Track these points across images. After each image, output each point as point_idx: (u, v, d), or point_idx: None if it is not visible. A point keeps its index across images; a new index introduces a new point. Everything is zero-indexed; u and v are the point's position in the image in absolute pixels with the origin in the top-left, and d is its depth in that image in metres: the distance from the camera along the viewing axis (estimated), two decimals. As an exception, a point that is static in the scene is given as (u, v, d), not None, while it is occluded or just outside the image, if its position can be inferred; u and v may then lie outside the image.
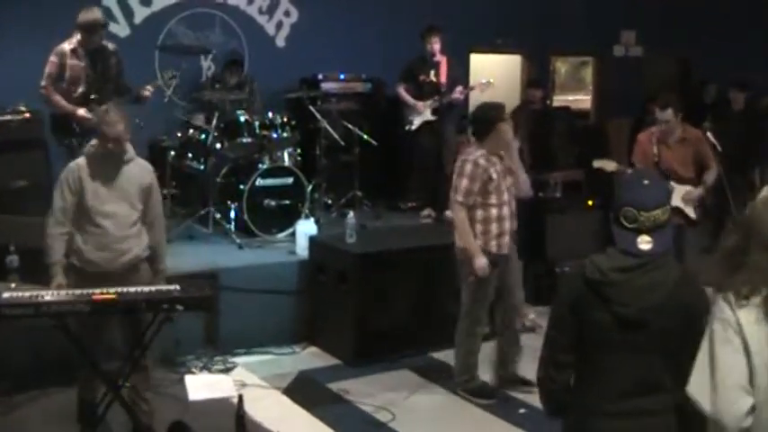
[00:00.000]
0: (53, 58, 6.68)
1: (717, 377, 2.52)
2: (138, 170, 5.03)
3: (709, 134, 7.67)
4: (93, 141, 4.96)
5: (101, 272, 4.86)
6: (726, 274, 2.58)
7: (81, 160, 4.94)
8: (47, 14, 7.75)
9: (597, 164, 6.90)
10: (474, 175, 5.67)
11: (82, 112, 6.61)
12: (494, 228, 5.73)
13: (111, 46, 6.97)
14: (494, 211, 5.72)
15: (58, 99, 6.64)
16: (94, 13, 6.77)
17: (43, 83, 6.65)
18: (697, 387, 2.57)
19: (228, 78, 8.38)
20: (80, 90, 6.71)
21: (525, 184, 5.98)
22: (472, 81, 9.26)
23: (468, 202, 5.70)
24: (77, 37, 6.72)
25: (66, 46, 6.71)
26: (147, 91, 7.06)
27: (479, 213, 5.73)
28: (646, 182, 2.98)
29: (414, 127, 8.65)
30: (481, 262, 5.64)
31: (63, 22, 7.51)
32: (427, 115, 8.62)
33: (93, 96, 6.70)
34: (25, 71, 7.36)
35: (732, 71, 10.29)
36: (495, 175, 5.69)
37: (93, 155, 4.92)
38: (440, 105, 8.58)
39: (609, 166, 6.82)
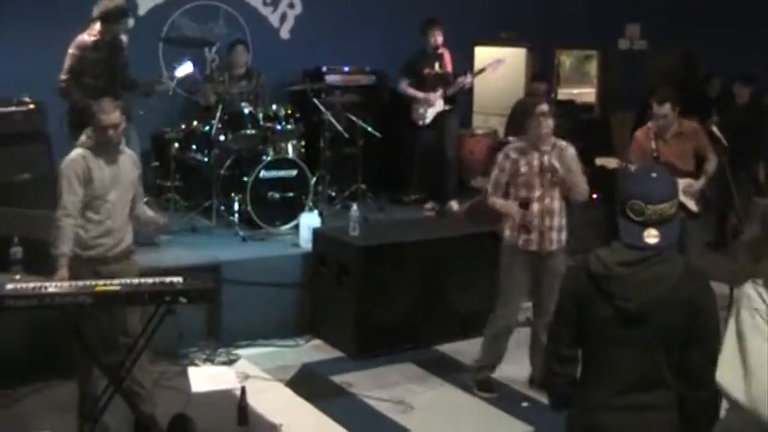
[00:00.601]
0: (73, 51, 6.56)
1: (749, 367, 2.50)
2: (130, 161, 5.11)
3: (714, 128, 7.64)
4: (89, 132, 4.96)
5: (100, 257, 4.92)
6: (751, 264, 2.60)
7: (82, 151, 4.91)
8: (50, 6, 7.73)
9: (600, 161, 6.89)
10: (502, 167, 5.69)
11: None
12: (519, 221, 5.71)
13: (124, 38, 6.90)
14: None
15: (81, 95, 6.49)
16: (117, 1, 6.66)
17: (64, 76, 6.54)
18: (728, 378, 2.55)
19: (235, 68, 8.33)
20: (100, 83, 6.59)
21: (577, 186, 5.67)
22: (479, 66, 9.20)
23: (495, 193, 5.72)
24: (97, 28, 6.61)
25: (87, 38, 6.60)
26: (161, 84, 7.04)
27: None
28: (654, 175, 2.97)
29: (428, 120, 8.59)
30: (513, 209, 5.62)
31: (65, 14, 7.53)
32: (440, 105, 8.57)
33: (111, 90, 6.59)
34: (28, 63, 7.37)
35: (736, 65, 10.26)
36: (524, 169, 5.62)
37: (91, 146, 4.92)
38: (447, 95, 8.56)
39: (611, 163, 6.81)
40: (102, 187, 4.89)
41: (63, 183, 4.86)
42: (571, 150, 5.71)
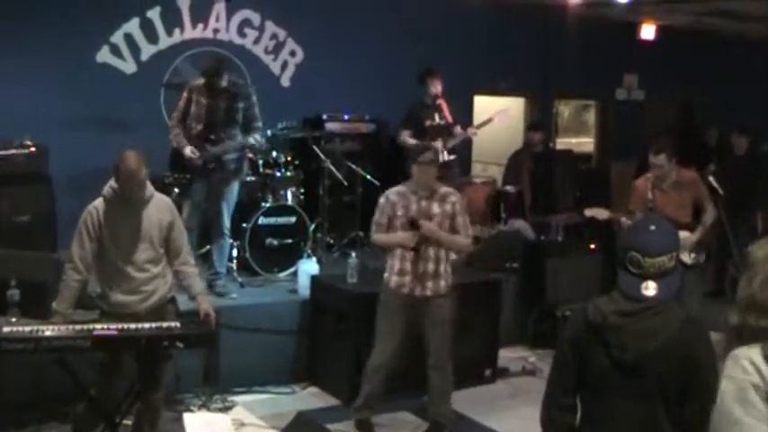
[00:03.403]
0: (186, 94, 6.78)
1: None
2: (157, 209, 4.90)
3: (711, 178, 7.68)
4: (112, 183, 4.80)
5: (129, 314, 4.77)
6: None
7: (99, 203, 4.80)
8: (53, 48, 7.78)
9: (589, 213, 6.89)
10: (381, 208, 5.84)
11: (188, 151, 6.67)
12: (396, 263, 5.76)
13: (234, 88, 6.91)
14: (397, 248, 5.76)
15: (176, 133, 6.76)
16: (210, 61, 6.99)
17: (173, 115, 6.81)
18: None
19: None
20: (198, 128, 6.75)
21: (449, 241, 5.74)
22: (477, 121, 9.20)
23: (377, 231, 5.85)
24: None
25: (196, 82, 6.79)
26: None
27: None
28: (652, 227, 2.95)
29: None
30: (401, 236, 5.70)
31: (69, 56, 7.58)
32: (444, 156, 8.34)
33: (212, 136, 6.75)
34: (29, 105, 7.40)
35: (732, 115, 10.34)
36: (400, 212, 5.74)
37: (112, 197, 4.79)
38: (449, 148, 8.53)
39: (601, 214, 6.82)
40: (116, 242, 4.76)
41: (76, 234, 4.78)
42: (453, 198, 5.80)
